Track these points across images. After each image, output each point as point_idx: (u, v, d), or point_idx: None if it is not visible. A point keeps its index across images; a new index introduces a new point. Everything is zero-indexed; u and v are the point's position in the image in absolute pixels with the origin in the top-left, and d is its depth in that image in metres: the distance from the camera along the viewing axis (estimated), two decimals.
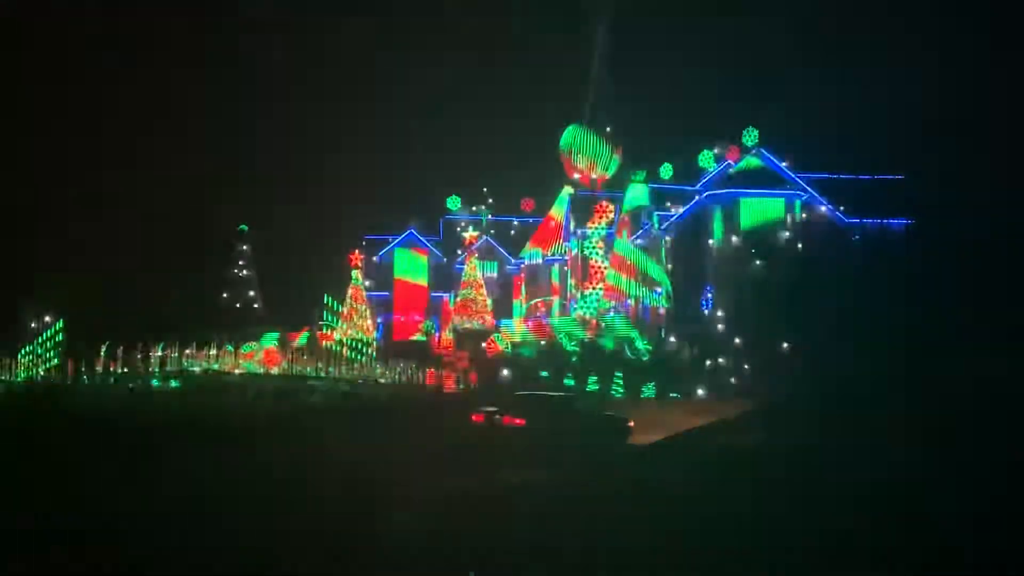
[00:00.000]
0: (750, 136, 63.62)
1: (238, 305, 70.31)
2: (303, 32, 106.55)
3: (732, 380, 49.15)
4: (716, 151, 68.20)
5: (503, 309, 70.51)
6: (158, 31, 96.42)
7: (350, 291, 61.84)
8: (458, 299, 62.48)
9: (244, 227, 71.34)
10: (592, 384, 48.22)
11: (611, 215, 66.98)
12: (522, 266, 68.21)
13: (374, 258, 74.73)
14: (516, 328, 59.87)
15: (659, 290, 59.58)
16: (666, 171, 69.70)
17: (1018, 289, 23.99)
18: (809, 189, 63.50)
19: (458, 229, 73.42)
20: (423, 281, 74.36)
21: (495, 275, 70.21)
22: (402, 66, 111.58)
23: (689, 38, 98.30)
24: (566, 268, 65.49)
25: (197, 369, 45.18)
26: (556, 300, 63.50)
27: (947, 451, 18.94)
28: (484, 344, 55.34)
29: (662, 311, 58.53)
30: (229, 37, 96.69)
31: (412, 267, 74.52)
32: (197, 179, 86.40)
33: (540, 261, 66.90)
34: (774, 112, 71.46)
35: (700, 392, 48.40)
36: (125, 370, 46.33)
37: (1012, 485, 15.84)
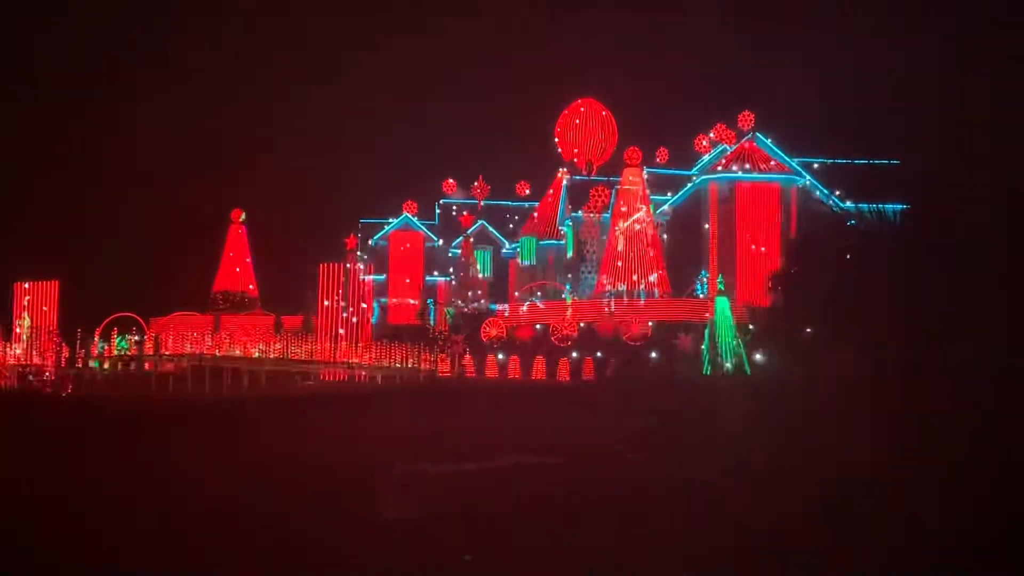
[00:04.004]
0: (746, 120, 63.41)
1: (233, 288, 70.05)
2: (301, 14, 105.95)
3: (728, 366, 49.24)
4: (712, 135, 67.97)
5: (500, 293, 70.52)
6: (159, 13, 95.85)
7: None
8: None
9: (242, 216, 70.90)
10: None
11: (607, 199, 66.89)
12: None
13: (370, 241, 74.63)
14: None
15: (655, 274, 59.52)
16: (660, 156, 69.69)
17: (1016, 276, 23.98)
18: (805, 173, 63.37)
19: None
20: (418, 265, 74.31)
21: None
22: (400, 49, 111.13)
23: (686, 22, 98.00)
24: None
25: (193, 352, 44.98)
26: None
27: (945, 443, 18.94)
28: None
29: (658, 295, 58.45)
30: (229, 18, 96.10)
31: (407, 251, 74.43)
32: (194, 161, 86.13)
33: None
34: (771, 96, 71.30)
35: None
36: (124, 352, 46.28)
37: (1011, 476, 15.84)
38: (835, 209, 57.78)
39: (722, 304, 50.95)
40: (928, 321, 26.90)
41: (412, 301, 69.18)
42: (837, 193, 61.90)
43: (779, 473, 18.02)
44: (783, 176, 60.74)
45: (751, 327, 51.66)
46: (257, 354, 45.55)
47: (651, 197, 63.03)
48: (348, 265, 51.82)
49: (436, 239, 75.35)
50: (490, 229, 76.86)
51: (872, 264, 33.21)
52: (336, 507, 15.92)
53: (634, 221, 60.21)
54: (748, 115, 63.27)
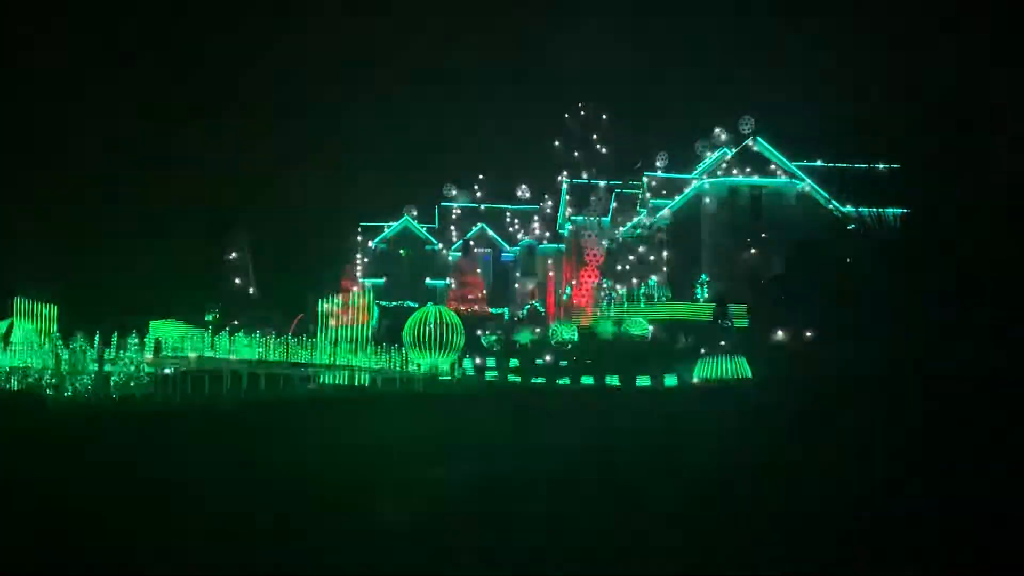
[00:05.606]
0: (746, 123, 63.46)
1: (232, 290, 70.05)
2: (303, 17, 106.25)
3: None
4: (712, 139, 68.02)
5: (498, 297, 70.60)
6: (158, 15, 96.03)
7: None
8: None
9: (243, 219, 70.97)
10: None
11: (607, 203, 66.96)
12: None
13: (370, 244, 74.70)
14: None
15: (654, 278, 59.59)
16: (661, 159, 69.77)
17: (1015, 281, 23.93)
18: (805, 177, 63.40)
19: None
20: (418, 268, 74.40)
21: None
22: (402, 52, 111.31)
23: (687, 26, 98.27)
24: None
25: (192, 355, 44.80)
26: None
27: (943, 443, 18.92)
28: None
29: (657, 298, 58.50)
30: (228, 21, 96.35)
31: (408, 254, 74.47)
32: (195, 164, 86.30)
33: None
34: (771, 99, 71.49)
35: (694, 381, 48.45)
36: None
37: (1009, 478, 15.81)
38: (835, 213, 57.87)
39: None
40: (928, 325, 26.85)
41: (411, 304, 69.20)
42: (838, 197, 61.93)
43: None
44: (783, 180, 60.77)
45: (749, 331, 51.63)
46: (256, 357, 45.36)
47: (651, 201, 63.03)
48: (348, 267, 51.83)
49: (436, 243, 75.40)
50: (490, 232, 76.93)
51: (872, 267, 33.21)
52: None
53: (634, 225, 60.27)
54: (748, 118, 63.30)
